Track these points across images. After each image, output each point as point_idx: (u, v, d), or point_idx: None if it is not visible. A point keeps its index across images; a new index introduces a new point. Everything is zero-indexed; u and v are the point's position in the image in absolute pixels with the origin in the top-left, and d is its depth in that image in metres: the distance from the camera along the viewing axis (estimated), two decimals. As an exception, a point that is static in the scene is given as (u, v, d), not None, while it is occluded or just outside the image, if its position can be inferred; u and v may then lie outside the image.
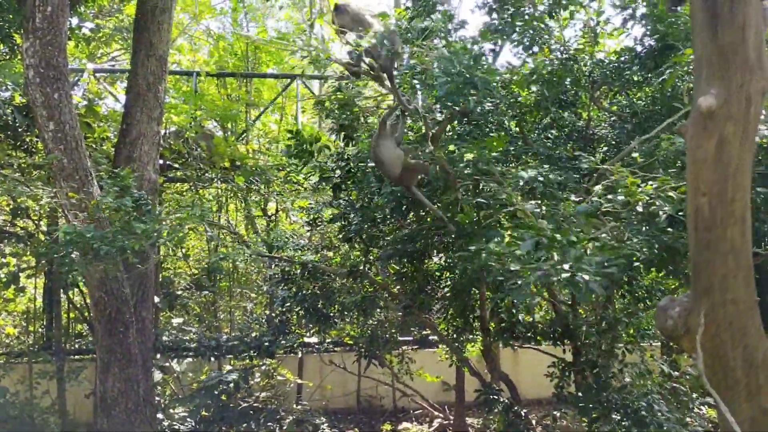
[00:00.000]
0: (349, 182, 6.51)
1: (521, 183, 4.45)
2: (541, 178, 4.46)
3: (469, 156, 4.83)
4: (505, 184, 4.41)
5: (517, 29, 5.66)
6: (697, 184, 2.57)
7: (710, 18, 2.39)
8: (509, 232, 3.69)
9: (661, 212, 3.73)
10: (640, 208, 3.81)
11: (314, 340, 8.69)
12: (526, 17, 5.59)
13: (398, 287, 7.14)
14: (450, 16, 5.55)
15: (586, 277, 2.95)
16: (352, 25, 5.30)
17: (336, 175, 6.56)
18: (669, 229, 3.85)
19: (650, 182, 3.89)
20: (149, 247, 5.27)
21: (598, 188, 4.08)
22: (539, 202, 4.34)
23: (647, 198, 3.79)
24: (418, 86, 5.30)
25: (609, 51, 6.67)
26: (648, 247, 3.79)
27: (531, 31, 5.74)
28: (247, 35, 12.45)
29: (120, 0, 9.89)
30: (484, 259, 3.46)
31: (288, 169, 8.36)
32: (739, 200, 2.49)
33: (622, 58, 5.98)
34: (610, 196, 3.94)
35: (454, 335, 7.23)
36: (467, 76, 4.29)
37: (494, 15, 5.98)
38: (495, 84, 4.56)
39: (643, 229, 3.91)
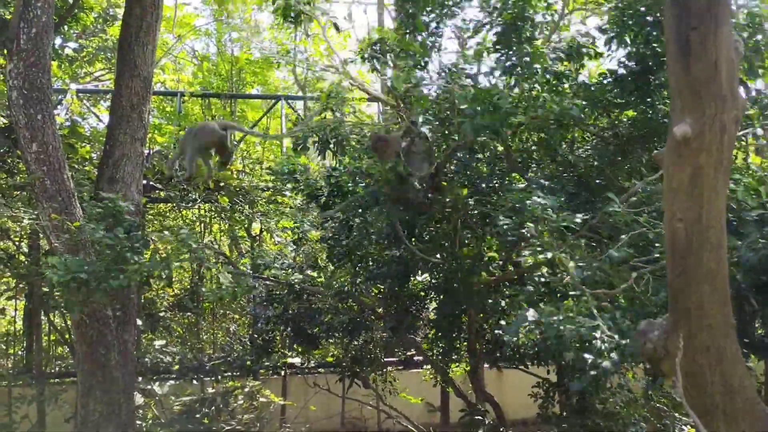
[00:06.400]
0: (336, 200, 6.50)
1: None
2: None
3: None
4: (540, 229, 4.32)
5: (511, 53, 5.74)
6: (673, 210, 2.61)
7: (682, 52, 2.43)
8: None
9: None
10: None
11: (298, 360, 8.63)
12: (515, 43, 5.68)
13: (383, 308, 7.12)
14: (480, 52, 5.79)
15: None
16: None
17: (323, 194, 6.57)
18: None
19: None
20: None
21: (624, 238, 3.96)
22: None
23: None
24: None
25: (592, 72, 6.76)
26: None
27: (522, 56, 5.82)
28: (246, 53, 12.48)
29: (104, 20, 9.89)
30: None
31: (272, 190, 8.35)
32: (714, 227, 2.53)
33: (605, 81, 6.06)
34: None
35: (440, 356, 7.21)
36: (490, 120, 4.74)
37: (479, 34, 6.06)
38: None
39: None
